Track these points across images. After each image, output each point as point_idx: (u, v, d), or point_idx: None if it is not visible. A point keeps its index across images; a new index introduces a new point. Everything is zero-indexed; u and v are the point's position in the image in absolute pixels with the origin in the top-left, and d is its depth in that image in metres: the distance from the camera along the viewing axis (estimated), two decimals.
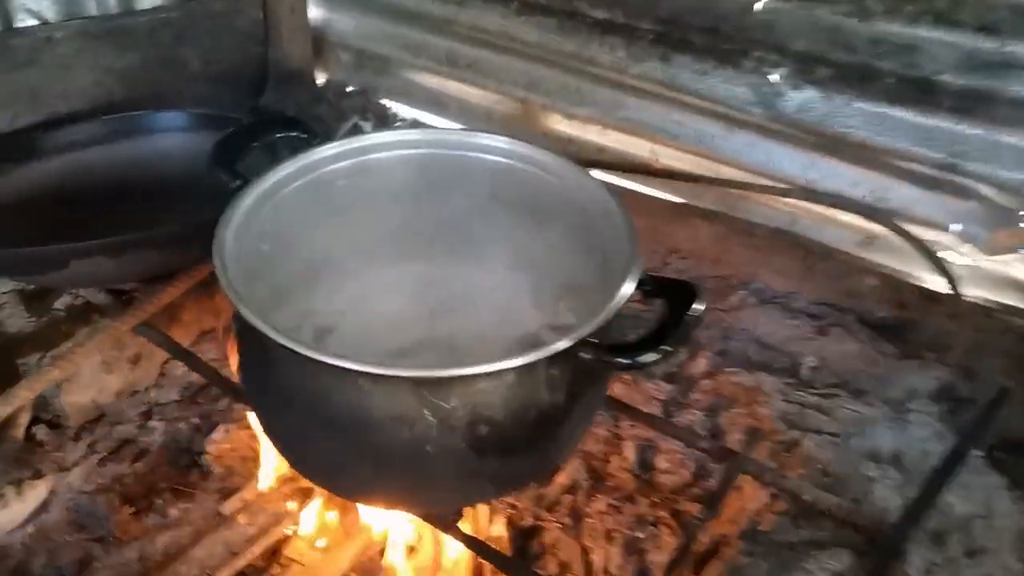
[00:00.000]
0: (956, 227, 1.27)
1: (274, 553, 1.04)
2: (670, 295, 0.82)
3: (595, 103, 1.57)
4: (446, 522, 0.90)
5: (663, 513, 1.08)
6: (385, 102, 1.88)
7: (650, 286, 0.83)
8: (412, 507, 0.89)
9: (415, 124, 1.84)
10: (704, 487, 1.12)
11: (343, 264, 1.08)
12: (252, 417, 1.18)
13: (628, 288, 0.80)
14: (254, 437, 1.20)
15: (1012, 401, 1.10)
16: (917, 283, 1.32)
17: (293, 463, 0.91)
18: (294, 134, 1.04)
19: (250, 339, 0.84)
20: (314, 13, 1.88)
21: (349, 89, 1.93)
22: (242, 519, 1.01)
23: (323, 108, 1.85)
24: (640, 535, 1.06)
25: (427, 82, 1.82)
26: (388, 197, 1.05)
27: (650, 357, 0.75)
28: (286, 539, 1.05)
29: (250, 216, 0.91)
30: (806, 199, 1.39)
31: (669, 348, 0.75)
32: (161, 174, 1.42)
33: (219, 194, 0.91)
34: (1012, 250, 1.24)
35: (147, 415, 1.26)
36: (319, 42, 1.91)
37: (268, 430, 0.90)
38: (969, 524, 0.98)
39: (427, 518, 0.91)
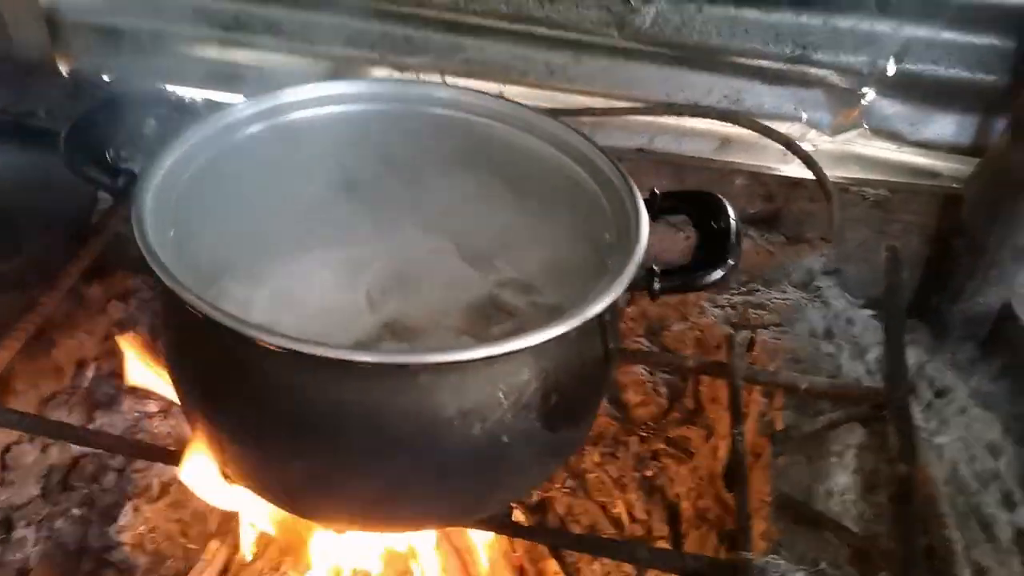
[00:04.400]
0: (804, 114, 1.37)
1: None
2: (693, 210, 0.78)
3: (428, 49, 1.45)
4: (502, 522, 0.79)
5: (660, 445, 1.06)
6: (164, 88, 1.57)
7: (670, 202, 0.79)
8: (471, 515, 0.76)
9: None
10: (683, 409, 1.11)
11: (261, 253, 0.89)
12: (187, 475, 0.95)
13: (642, 207, 0.75)
14: (177, 505, 0.96)
15: (900, 258, 1.23)
16: (778, 174, 1.42)
17: (306, 509, 0.73)
18: (164, 112, 0.83)
19: (225, 360, 0.65)
20: None
21: (105, 78, 1.59)
22: None
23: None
24: (649, 473, 1.03)
25: (210, 55, 1.56)
26: (311, 165, 0.88)
27: (717, 274, 0.71)
28: None
29: (158, 205, 0.70)
30: (666, 113, 1.41)
31: (732, 261, 0.71)
32: None
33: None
34: (854, 127, 1.37)
35: (6, 524, 0.95)
36: (55, 24, 1.54)
37: (254, 474, 0.71)
38: (922, 368, 1.08)
39: (477, 524, 0.79)
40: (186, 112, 0.83)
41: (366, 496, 0.69)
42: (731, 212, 0.75)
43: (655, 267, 0.70)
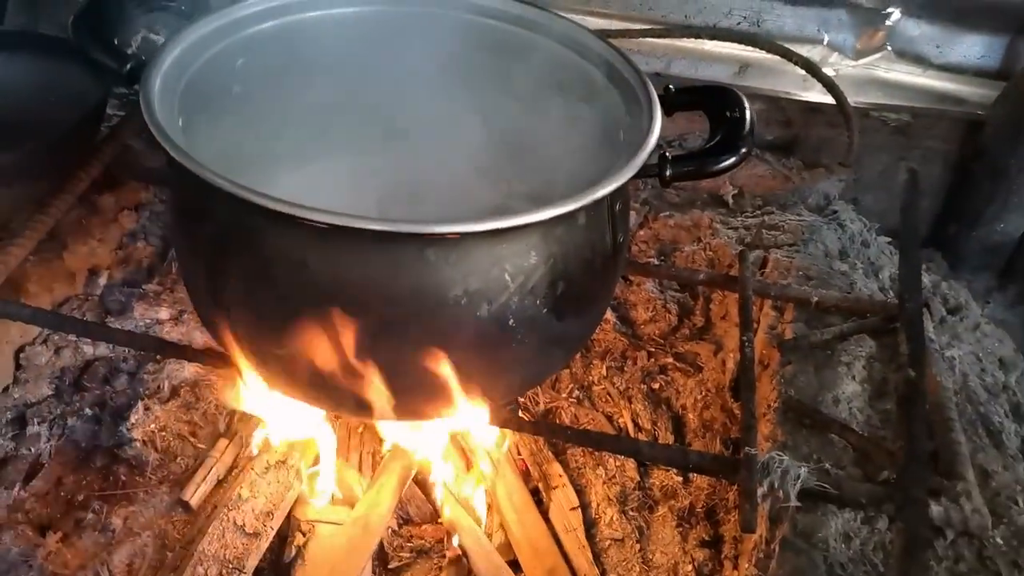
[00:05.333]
0: (827, 37, 1.34)
1: (288, 520, 0.86)
2: (707, 103, 0.76)
3: None
4: (508, 416, 0.79)
5: (668, 360, 1.05)
6: None
7: (684, 97, 0.77)
8: (475, 405, 0.76)
9: None
10: (693, 325, 1.11)
11: (269, 161, 0.88)
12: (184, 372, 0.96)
13: (655, 96, 0.73)
14: (188, 407, 0.97)
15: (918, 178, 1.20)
16: (797, 99, 1.39)
17: (310, 394, 0.73)
18: (173, 3, 0.82)
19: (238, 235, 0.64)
20: None
21: None
22: (245, 492, 0.81)
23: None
24: (656, 386, 1.02)
25: None
26: (320, 68, 0.86)
27: (729, 159, 0.69)
28: (298, 501, 0.87)
29: (165, 91, 0.70)
30: (684, 36, 1.38)
31: (744, 148, 0.70)
32: None
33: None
34: (878, 50, 1.33)
35: (20, 421, 0.97)
36: None
37: (261, 358, 0.71)
38: (937, 287, 1.06)
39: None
40: (195, 4, 0.82)
41: (371, 379, 0.69)
42: (746, 103, 0.73)
43: (668, 153, 0.69)
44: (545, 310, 0.68)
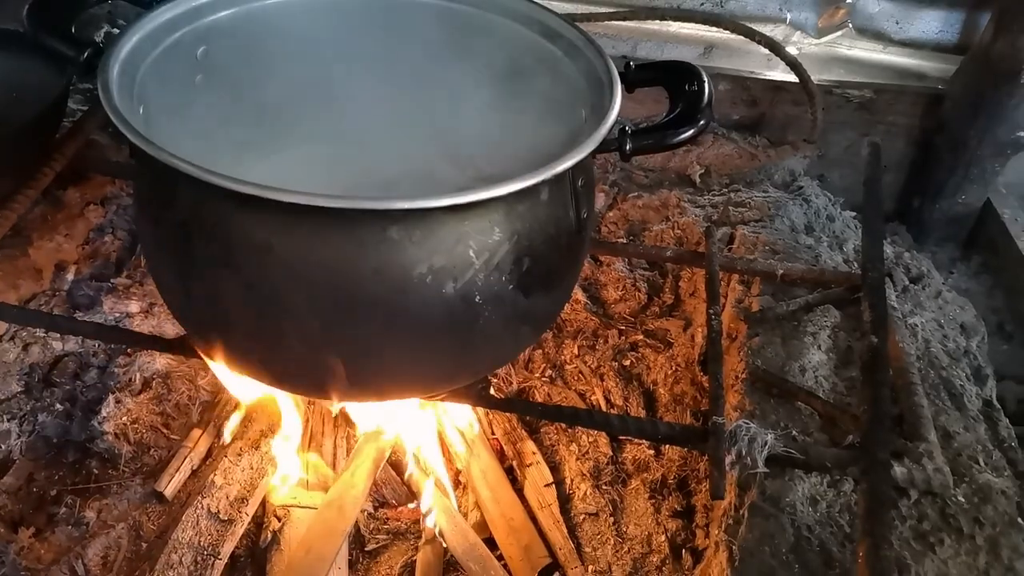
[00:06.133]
0: (789, 15, 1.35)
1: (263, 506, 0.86)
2: (668, 79, 0.77)
3: None
4: (479, 394, 0.80)
5: (638, 337, 1.06)
6: None
7: (644, 73, 0.78)
8: (447, 383, 0.77)
9: None
10: (662, 303, 1.12)
11: (232, 150, 0.88)
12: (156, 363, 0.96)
13: (614, 71, 0.74)
14: (160, 398, 0.97)
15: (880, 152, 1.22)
16: (762, 78, 1.40)
17: (277, 377, 0.73)
18: None
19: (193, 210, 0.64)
20: None
21: None
22: (218, 479, 0.81)
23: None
24: (627, 363, 1.03)
25: None
26: (282, 55, 0.86)
27: (688, 132, 0.70)
28: (271, 487, 0.87)
29: (124, 79, 0.69)
30: (649, 18, 1.39)
31: (703, 120, 0.71)
32: None
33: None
34: (839, 28, 1.35)
35: None
36: None
37: (226, 340, 0.71)
38: (900, 257, 1.08)
39: (454, 395, 0.79)
40: None
41: (340, 360, 0.69)
42: (705, 77, 0.74)
43: (627, 128, 0.69)
44: (511, 287, 0.69)
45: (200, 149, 0.81)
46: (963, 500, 0.76)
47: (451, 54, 0.89)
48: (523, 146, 0.92)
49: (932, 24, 1.31)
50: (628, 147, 0.69)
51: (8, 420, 0.96)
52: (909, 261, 1.07)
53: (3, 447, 0.94)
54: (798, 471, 0.77)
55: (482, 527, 0.88)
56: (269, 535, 0.83)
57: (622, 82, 0.75)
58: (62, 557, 0.84)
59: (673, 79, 0.76)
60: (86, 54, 0.71)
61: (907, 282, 1.02)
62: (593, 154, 0.66)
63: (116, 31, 1.42)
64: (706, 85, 0.73)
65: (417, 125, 0.95)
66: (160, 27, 0.76)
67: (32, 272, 1.06)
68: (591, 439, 0.93)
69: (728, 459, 0.74)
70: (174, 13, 0.77)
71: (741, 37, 1.32)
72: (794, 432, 0.80)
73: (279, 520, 0.84)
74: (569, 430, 0.94)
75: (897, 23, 1.32)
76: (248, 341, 0.71)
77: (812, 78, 1.31)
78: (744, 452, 0.75)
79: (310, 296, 0.64)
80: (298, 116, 0.92)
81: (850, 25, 1.34)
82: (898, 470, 0.75)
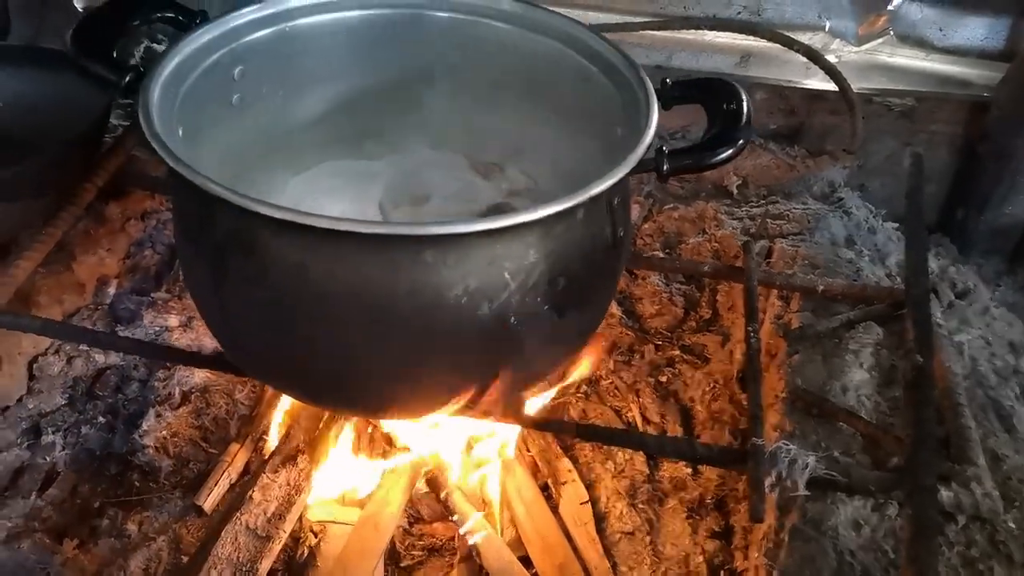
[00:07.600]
0: (828, 23, 1.33)
1: (300, 522, 0.86)
2: (705, 97, 0.76)
3: None
4: (514, 413, 0.79)
5: (675, 352, 1.05)
6: None
7: (681, 91, 0.77)
8: (476, 403, 0.76)
9: None
10: (699, 317, 1.10)
11: (269, 165, 0.89)
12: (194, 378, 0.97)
13: (651, 90, 0.74)
14: (199, 412, 0.98)
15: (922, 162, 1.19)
16: (800, 87, 1.38)
17: (314, 395, 0.73)
18: (171, 15, 0.82)
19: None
20: None
21: None
22: (256, 495, 0.81)
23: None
24: (663, 379, 1.02)
25: None
26: (317, 73, 0.87)
27: (727, 152, 0.69)
28: (309, 503, 0.87)
29: (164, 101, 0.70)
30: (684, 27, 1.37)
31: (742, 140, 0.70)
32: None
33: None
34: (880, 35, 1.32)
35: (34, 431, 0.98)
36: None
37: (264, 360, 0.71)
38: (945, 272, 1.05)
39: (488, 414, 0.79)
40: (192, 15, 0.82)
41: (375, 379, 0.69)
42: (743, 95, 0.73)
43: (664, 147, 0.69)
44: (546, 306, 0.68)
45: (236, 166, 0.83)
46: (1013, 526, 0.73)
47: (484, 70, 0.89)
48: (557, 161, 0.92)
49: (977, 31, 1.27)
50: (665, 167, 0.68)
51: (53, 432, 0.98)
52: (954, 275, 1.04)
53: (48, 459, 0.96)
54: (840, 494, 0.75)
55: (517, 544, 0.88)
56: (305, 551, 0.83)
57: (658, 99, 0.74)
58: (105, 569, 0.85)
59: (710, 96, 0.75)
60: (128, 79, 0.73)
61: (953, 297, 1.00)
62: (629, 175, 0.66)
63: (156, 46, 1.44)
64: (744, 104, 0.72)
65: (448, 140, 0.96)
66: (199, 49, 0.77)
67: (76, 287, 1.08)
68: (627, 457, 0.92)
69: (768, 481, 0.73)
70: (212, 35, 0.78)
71: (778, 45, 1.30)
72: (836, 454, 0.78)
73: (315, 536, 0.84)
74: (604, 448, 0.93)
75: (940, 30, 1.29)
76: (282, 359, 0.71)
77: (852, 86, 1.29)
78: (784, 474, 0.73)
79: (344, 317, 0.64)
80: (331, 132, 0.93)
81: (891, 32, 1.31)
82: (945, 494, 0.73)
